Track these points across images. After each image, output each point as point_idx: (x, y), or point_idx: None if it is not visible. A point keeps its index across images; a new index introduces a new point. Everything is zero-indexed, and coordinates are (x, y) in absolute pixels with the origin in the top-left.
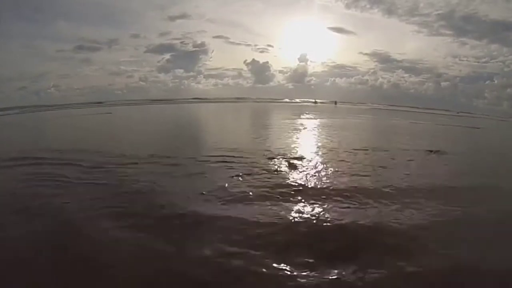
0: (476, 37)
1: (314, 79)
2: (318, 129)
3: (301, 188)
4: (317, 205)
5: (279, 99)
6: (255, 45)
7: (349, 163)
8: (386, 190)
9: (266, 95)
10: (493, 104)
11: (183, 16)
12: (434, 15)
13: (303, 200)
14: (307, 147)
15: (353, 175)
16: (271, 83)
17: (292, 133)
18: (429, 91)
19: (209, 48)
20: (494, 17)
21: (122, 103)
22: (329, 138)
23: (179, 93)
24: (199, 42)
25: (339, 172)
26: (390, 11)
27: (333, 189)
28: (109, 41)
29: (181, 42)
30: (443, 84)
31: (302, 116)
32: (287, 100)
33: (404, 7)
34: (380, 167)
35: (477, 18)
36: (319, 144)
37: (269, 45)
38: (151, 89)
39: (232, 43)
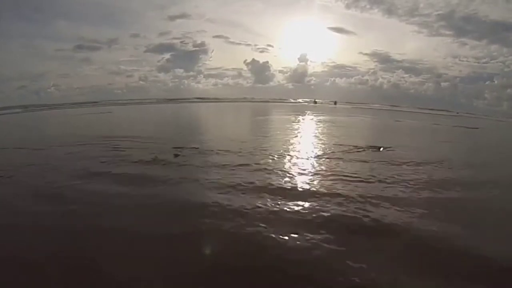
0: (476, 38)
1: (314, 79)
2: (281, 125)
3: None
4: None
5: (282, 99)
6: (255, 45)
7: (250, 153)
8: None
9: (266, 95)
10: (492, 105)
11: (183, 15)
12: (434, 15)
13: None
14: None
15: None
16: (271, 83)
17: (241, 128)
18: (429, 91)
19: (209, 48)
20: (494, 18)
21: (112, 103)
22: (276, 132)
23: (179, 92)
24: (199, 41)
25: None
26: (390, 11)
27: None
28: (109, 40)
29: (181, 42)
30: (443, 84)
31: (287, 115)
32: (291, 100)
33: (404, 7)
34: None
35: (477, 19)
36: (248, 136)
37: (269, 45)
38: (151, 88)
39: (232, 43)
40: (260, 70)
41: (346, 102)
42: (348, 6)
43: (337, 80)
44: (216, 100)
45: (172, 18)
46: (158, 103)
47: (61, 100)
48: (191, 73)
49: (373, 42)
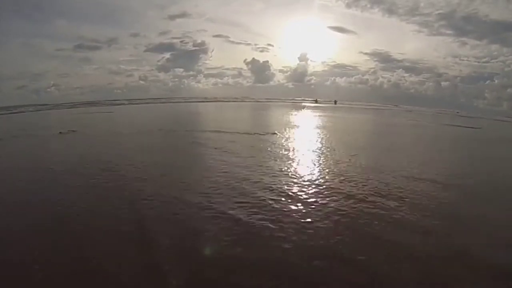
0: (476, 37)
1: (314, 78)
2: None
3: None
4: None
5: (284, 99)
6: (255, 44)
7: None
8: None
9: (266, 95)
10: (493, 105)
11: (183, 15)
12: (435, 15)
13: None
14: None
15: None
16: (271, 83)
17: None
18: (429, 91)
19: (209, 47)
20: (494, 17)
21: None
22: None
23: (178, 92)
24: (199, 41)
25: None
26: (390, 11)
27: None
28: (109, 40)
29: (181, 41)
30: (443, 84)
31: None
32: (297, 99)
33: (405, 6)
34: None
35: (477, 18)
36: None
37: (269, 44)
38: (151, 88)
39: (232, 42)
40: (260, 70)
41: (346, 102)
42: (348, 6)
43: (338, 79)
44: (209, 100)
45: (172, 17)
46: (146, 104)
47: (61, 100)
48: (191, 72)
49: (373, 42)
